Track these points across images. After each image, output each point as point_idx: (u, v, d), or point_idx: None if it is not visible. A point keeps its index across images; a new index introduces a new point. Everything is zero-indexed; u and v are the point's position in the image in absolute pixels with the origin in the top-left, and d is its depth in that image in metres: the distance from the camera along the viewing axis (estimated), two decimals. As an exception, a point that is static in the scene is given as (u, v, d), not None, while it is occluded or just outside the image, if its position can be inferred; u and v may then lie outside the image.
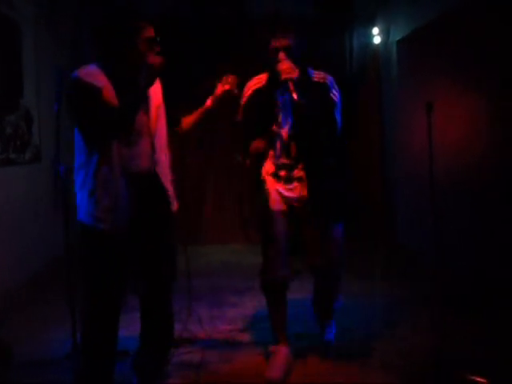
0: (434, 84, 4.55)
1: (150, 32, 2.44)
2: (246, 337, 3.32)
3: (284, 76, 2.76)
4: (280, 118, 2.90)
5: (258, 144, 2.90)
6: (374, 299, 4.00)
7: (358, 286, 4.29)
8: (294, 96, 2.73)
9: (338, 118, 2.92)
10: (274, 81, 2.86)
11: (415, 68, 5.13)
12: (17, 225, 4.21)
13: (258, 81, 2.97)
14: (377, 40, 5.92)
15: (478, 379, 2.62)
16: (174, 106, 2.79)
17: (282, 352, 2.94)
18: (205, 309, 3.87)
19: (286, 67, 2.77)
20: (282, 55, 2.80)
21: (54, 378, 2.91)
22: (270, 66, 2.86)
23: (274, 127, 2.89)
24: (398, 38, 5.48)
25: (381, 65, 5.96)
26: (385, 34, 5.81)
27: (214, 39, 5.86)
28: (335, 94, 2.91)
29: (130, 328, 3.16)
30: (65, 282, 2.88)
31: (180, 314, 3.49)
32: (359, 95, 6.09)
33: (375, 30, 5.91)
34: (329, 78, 2.93)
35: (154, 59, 2.40)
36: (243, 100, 2.99)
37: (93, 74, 2.39)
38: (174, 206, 2.66)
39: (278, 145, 2.91)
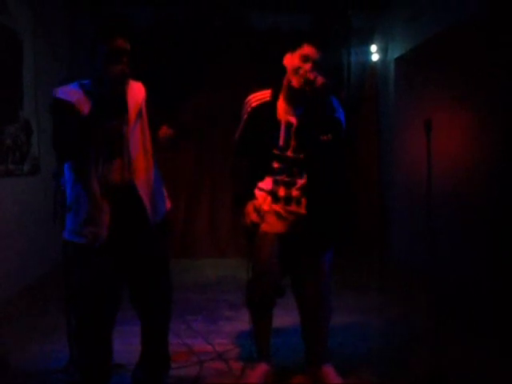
0: (431, 101, 4.60)
1: (115, 43, 2.29)
2: (242, 351, 3.31)
3: (321, 81, 2.57)
4: (282, 140, 2.69)
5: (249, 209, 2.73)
6: (370, 315, 4.00)
7: (354, 302, 4.28)
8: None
9: (344, 138, 2.76)
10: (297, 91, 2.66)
11: (413, 86, 5.18)
12: (15, 236, 4.20)
13: (263, 96, 2.76)
14: (375, 57, 5.98)
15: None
16: (162, 117, 2.58)
17: (260, 368, 2.89)
18: (201, 323, 3.86)
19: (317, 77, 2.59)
20: (309, 65, 2.60)
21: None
22: (292, 71, 2.64)
23: (275, 151, 2.69)
24: (395, 56, 5.55)
25: (378, 82, 6.02)
26: (383, 51, 5.88)
27: (209, 50, 5.88)
28: (340, 114, 2.74)
29: (125, 341, 3.16)
30: (62, 294, 2.87)
31: (176, 327, 3.50)
32: (357, 112, 6.12)
33: (373, 48, 5.97)
34: (334, 100, 2.73)
35: (113, 72, 2.29)
36: (245, 115, 2.77)
37: (67, 91, 2.38)
38: (155, 219, 2.51)
39: (277, 165, 2.71)
